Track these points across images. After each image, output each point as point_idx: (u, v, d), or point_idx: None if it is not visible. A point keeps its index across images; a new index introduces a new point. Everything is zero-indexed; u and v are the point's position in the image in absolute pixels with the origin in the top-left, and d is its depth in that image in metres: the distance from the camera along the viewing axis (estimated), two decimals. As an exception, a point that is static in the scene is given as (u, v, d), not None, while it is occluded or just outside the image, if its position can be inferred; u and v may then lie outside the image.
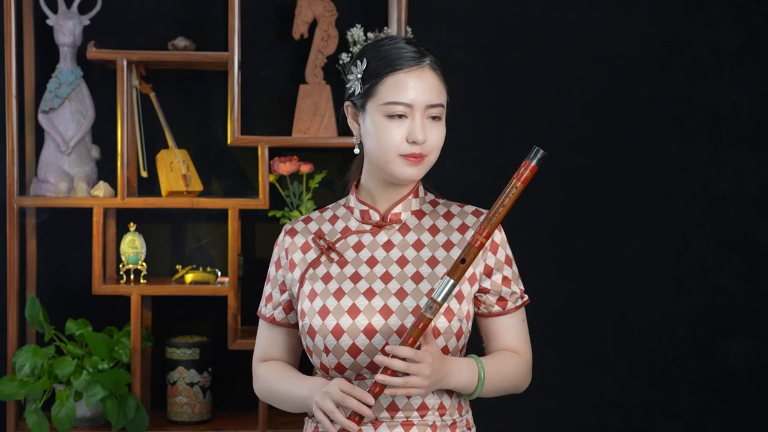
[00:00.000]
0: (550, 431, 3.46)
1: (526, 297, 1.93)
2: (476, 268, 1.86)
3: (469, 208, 1.91)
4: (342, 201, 1.96)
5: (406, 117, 1.78)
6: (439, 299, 1.69)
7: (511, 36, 3.40)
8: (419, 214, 1.89)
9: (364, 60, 1.83)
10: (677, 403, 3.48)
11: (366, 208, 1.88)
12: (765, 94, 3.47)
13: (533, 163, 1.71)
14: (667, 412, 3.47)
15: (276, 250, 1.93)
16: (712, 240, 3.48)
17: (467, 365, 1.78)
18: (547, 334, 3.43)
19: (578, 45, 3.41)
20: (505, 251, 1.89)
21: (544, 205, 3.42)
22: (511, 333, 1.90)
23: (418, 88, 1.78)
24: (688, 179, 3.46)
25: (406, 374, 1.67)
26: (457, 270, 1.70)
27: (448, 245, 1.85)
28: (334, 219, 1.92)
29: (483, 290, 1.87)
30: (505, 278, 1.88)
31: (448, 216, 1.89)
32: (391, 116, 1.78)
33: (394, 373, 1.68)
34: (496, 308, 1.88)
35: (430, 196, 1.94)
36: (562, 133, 3.40)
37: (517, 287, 1.91)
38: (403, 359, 1.67)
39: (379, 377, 1.67)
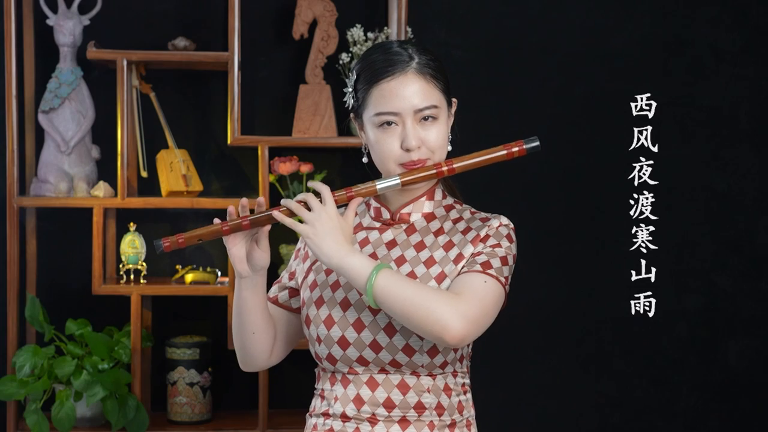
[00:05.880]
0: (550, 431, 3.46)
1: (494, 275, 1.76)
2: (466, 253, 1.81)
3: (480, 215, 1.88)
4: (367, 198, 1.96)
5: (397, 125, 1.78)
6: (378, 186, 1.76)
7: (511, 36, 3.40)
8: (430, 216, 1.88)
9: (354, 72, 1.85)
10: (677, 403, 3.47)
11: (379, 205, 1.90)
12: (765, 94, 3.47)
13: (525, 147, 1.86)
14: (667, 412, 3.47)
15: (299, 241, 1.97)
16: (712, 240, 3.48)
17: (367, 257, 1.72)
18: (547, 334, 3.43)
19: (578, 45, 3.41)
20: (497, 240, 1.81)
21: (544, 205, 3.42)
22: (458, 286, 1.75)
23: (402, 95, 1.77)
24: (688, 179, 3.46)
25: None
26: (408, 173, 1.77)
27: (448, 246, 1.83)
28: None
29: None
30: (479, 252, 1.80)
31: (457, 220, 1.87)
32: (382, 126, 1.79)
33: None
34: (463, 271, 1.78)
35: (450, 200, 1.92)
36: (562, 132, 3.40)
37: (485, 261, 1.77)
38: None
39: (283, 201, 1.74)
